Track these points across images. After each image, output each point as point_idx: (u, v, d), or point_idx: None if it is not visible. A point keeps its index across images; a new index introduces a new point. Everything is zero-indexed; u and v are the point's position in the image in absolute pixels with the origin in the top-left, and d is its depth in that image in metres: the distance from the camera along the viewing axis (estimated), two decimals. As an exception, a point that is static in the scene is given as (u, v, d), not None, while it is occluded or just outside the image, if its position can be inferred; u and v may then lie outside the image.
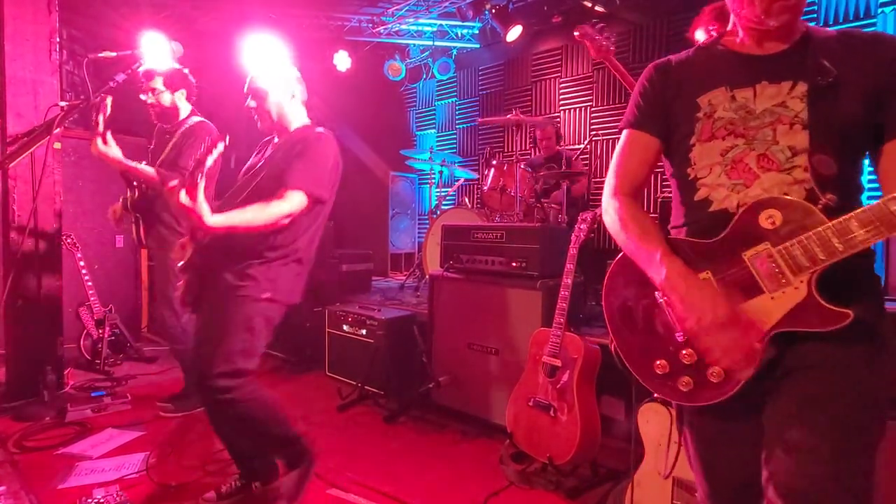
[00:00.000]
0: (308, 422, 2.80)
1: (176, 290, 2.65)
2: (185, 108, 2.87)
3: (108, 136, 2.47)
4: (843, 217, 0.87)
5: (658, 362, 1.06)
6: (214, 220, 1.63)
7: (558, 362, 2.16)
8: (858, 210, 0.86)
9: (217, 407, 1.85)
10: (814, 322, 0.90)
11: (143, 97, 2.78)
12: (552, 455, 2.14)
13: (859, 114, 0.95)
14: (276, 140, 2.05)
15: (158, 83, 2.77)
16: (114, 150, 2.53)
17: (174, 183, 1.57)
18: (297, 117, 2.04)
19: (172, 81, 2.80)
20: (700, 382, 1.00)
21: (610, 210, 1.16)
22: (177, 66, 2.85)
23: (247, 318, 1.82)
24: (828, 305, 0.89)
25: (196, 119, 2.85)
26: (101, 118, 2.31)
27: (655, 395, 1.11)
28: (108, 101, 2.32)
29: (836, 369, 0.93)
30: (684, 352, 1.02)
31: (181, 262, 1.88)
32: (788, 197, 0.95)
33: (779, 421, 0.97)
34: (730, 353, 0.94)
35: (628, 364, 1.12)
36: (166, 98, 2.79)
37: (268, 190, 1.80)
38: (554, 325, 2.18)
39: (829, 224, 0.88)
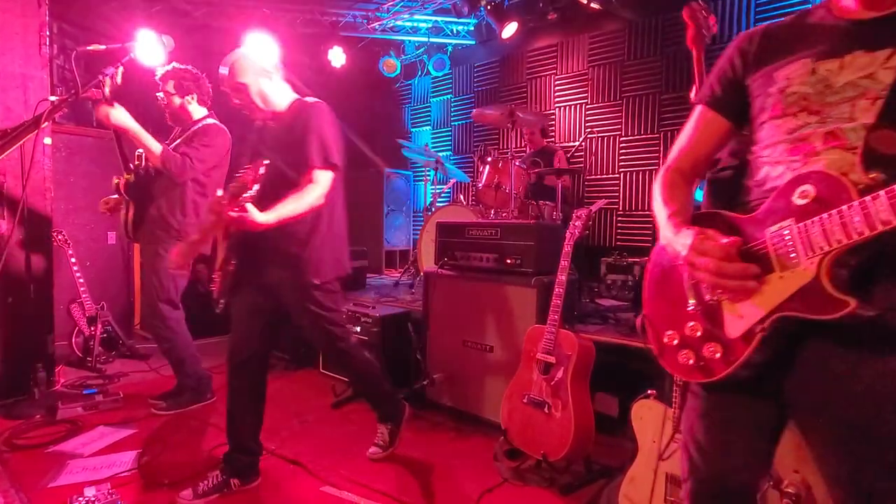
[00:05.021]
0: (302, 419, 2.79)
1: (164, 289, 2.66)
2: (197, 111, 2.87)
3: (117, 105, 2.53)
4: (873, 195, 0.77)
5: (668, 332, 1.04)
6: (265, 218, 1.77)
7: (553, 359, 2.16)
8: (889, 187, 0.76)
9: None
10: (814, 308, 0.84)
11: (158, 95, 2.81)
12: (546, 452, 2.14)
13: None
14: (269, 124, 2.11)
15: (170, 86, 2.78)
16: (123, 114, 2.56)
17: (221, 193, 1.78)
18: (283, 95, 2.09)
19: (182, 86, 2.80)
20: (698, 357, 0.99)
21: (657, 181, 1.15)
22: (190, 69, 2.85)
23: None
24: (831, 291, 0.81)
25: (210, 121, 2.86)
26: (108, 84, 2.33)
27: (675, 375, 1.09)
28: (120, 71, 2.32)
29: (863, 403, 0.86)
30: (691, 324, 1.00)
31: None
32: (826, 171, 0.86)
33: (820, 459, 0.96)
34: (714, 279, 0.91)
35: (649, 334, 1.10)
36: (175, 101, 2.81)
37: (284, 175, 1.93)
38: (548, 321, 2.18)
39: (855, 202, 0.79)
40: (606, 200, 4.66)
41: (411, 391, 2.90)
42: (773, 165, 0.98)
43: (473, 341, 2.77)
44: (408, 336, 3.12)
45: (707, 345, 0.97)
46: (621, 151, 4.75)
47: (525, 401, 2.24)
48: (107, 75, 2.10)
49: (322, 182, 1.95)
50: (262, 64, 2.05)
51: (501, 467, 2.28)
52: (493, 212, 3.81)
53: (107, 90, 2.38)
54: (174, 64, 2.78)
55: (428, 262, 3.94)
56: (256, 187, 1.67)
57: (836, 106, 0.90)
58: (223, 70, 2.02)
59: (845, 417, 0.89)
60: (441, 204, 4.99)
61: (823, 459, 0.95)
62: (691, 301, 1.01)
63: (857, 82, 0.89)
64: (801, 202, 0.87)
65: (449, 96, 6.16)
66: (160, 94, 2.79)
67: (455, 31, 5.75)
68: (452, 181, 5.47)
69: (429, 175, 5.06)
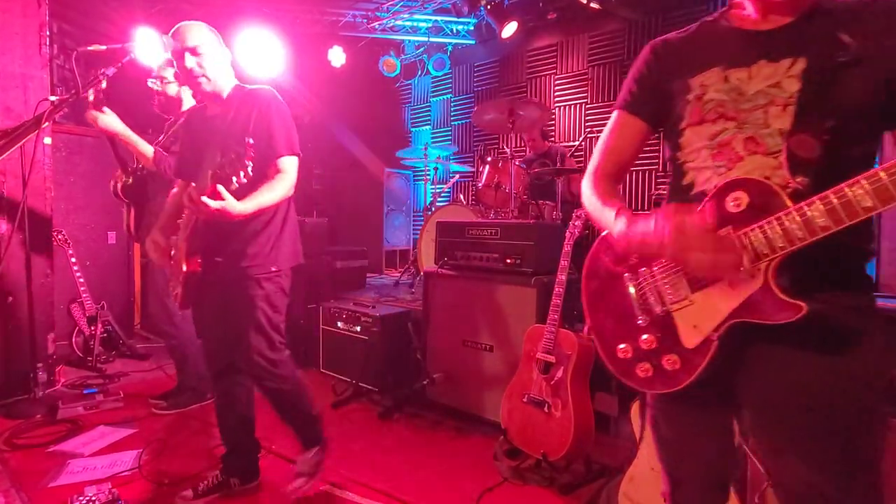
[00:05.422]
0: (302, 419, 2.79)
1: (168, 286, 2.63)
2: (188, 102, 2.86)
3: (106, 109, 2.49)
4: (807, 201, 0.81)
5: (621, 346, 1.05)
6: (243, 207, 1.67)
7: (552, 359, 2.16)
8: (822, 194, 0.79)
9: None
10: (768, 313, 0.86)
11: (150, 82, 2.77)
12: (546, 451, 2.14)
13: (868, 96, 0.85)
14: (208, 110, 1.96)
15: (169, 73, 2.75)
16: (113, 119, 2.53)
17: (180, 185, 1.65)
18: (229, 79, 1.95)
19: None
20: (657, 369, 0.99)
21: (586, 185, 1.16)
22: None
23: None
24: (782, 296, 0.84)
25: None
26: (92, 92, 2.29)
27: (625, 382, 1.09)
28: (104, 82, 2.28)
29: (809, 391, 0.90)
30: (644, 337, 1.01)
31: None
32: (755, 178, 0.88)
33: (769, 443, 0.97)
34: (709, 257, 0.87)
35: (598, 347, 1.10)
36: (172, 89, 2.77)
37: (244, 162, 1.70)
38: (548, 321, 2.18)
39: (792, 208, 0.82)
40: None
41: (411, 391, 2.90)
42: (698, 171, 1.01)
43: (473, 341, 2.77)
44: (408, 336, 3.12)
45: (665, 357, 0.98)
46: (621, 151, 4.74)
47: (525, 400, 2.24)
48: (106, 74, 2.10)
49: (291, 170, 1.86)
50: (218, 37, 1.92)
51: (501, 466, 2.28)
52: (492, 212, 3.81)
53: (91, 96, 2.34)
54: None
55: (428, 261, 3.94)
56: (250, 165, 1.55)
57: (750, 112, 0.94)
58: (177, 33, 1.84)
59: (794, 410, 0.91)
60: (441, 203, 4.99)
61: (786, 448, 0.95)
62: (641, 316, 1.02)
63: (766, 91, 0.92)
64: (735, 210, 0.89)
65: (449, 96, 6.16)
66: (153, 80, 2.74)
67: (455, 31, 5.75)
68: (452, 180, 5.48)
69: (429, 175, 5.07)
